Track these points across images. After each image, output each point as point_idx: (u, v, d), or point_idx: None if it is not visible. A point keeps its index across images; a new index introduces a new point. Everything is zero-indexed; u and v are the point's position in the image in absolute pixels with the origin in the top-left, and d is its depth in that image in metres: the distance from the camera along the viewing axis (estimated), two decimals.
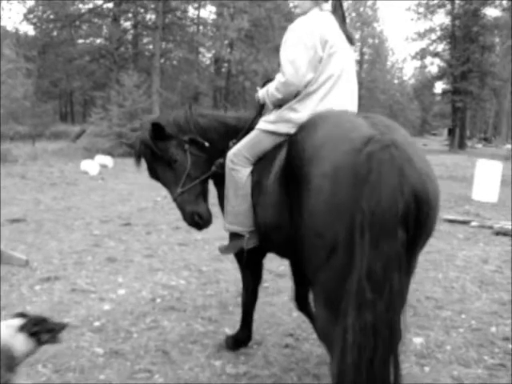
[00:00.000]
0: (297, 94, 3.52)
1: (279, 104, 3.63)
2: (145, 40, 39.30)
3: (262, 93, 3.87)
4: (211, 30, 37.79)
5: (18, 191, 12.70)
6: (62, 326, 3.35)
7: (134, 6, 33.57)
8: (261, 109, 3.97)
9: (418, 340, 4.72)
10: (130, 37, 37.77)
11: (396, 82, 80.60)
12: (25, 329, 3.13)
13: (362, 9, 67.85)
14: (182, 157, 4.08)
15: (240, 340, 4.46)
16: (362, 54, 69.57)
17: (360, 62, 69.54)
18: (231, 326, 4.79)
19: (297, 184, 2.87)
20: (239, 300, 5.43)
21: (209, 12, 39.61)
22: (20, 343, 3.10)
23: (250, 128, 3.92)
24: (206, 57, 43.97)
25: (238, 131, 4.04)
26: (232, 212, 3.84)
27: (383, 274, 2.41)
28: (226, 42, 34.53)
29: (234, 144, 3.92)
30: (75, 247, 7.47)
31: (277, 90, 3.56)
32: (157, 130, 4.02)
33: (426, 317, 5.29)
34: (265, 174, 3.55)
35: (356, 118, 2.93)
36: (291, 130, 3.46)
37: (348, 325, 2.46)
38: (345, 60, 3.58)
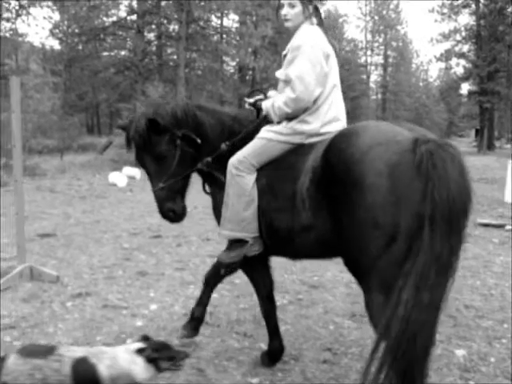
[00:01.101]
0: (306, 109, 3.73)
1: (283, 118, 3.80)
2: (169, 50, 39.38)
3: (265, 105, 3.92)
4: (235, 38, 37.78)
5: (48, 205, 12.75)
6: (184, 355, 3.22)
7: (157, 17, 33.65)
8: (264, 118, 3.97)
9: (460, 352, 4.55)
10: (154, 48, 37.90)
11: (421, 84, 79.92)
12: (144, 354, 3.00)
13: (384, 12, 67.40)
14: (171, 154, 4.00)
15: (273, 352, 4.36)
16: (386, 57, 69.16)
17: (384, 66, 69.22)
18: (266, 342, 4.66)
19: (343, 186, 3.07)
20: None
21: (232, 21, 39.35)
22: (139, 369, 2.97)
23: (249, 134, 3.96)
24: (230, 65, 43.92)
25: (233, 132, 4.06)
26: (235, 219, 3.81)
27: (448, 259, 2.80)
28: (250, 49, 34.45)
29: (227, 146, 3.97)
30: (105, 261, 7.42)
31: (286, 105, 3.72)
32: (153, 125, 3.93)
33: (467, 327, 5.12)
34: (281, 179, 3.69)
35: (392, 125, 3.22)
36: (304, 140, 3.75)
37: (402, 300, 2.77)
38: (337, 69, 3.93)
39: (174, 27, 36.16)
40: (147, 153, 4.04)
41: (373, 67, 70.58)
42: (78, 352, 2.91)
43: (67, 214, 11.61)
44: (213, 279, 4.42)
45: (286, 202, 3.61)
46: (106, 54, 40.05)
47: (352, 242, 3.11)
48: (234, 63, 42.74)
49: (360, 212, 2.98)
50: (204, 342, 4.70)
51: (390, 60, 70.11)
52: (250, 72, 39.96)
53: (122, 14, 35.30)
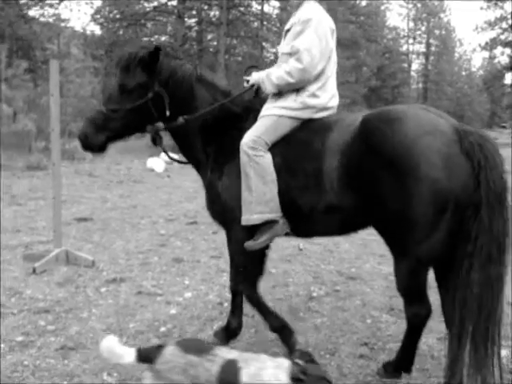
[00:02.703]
0: (313, 82, 3.83)
1: (284, 89, 3.86)
2: (209, 36, 39.31)
3: (258, 76, 3.97)
4: (275, 24, 37.49)
5: (86, 189, 12.82)
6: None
7: (198, 2, 33.59)
8: (256, 92, 4.04)
9: (502, 352, 4.36)
10: (194, 34, 37.88)
11: (464, 73, 78.38)
12: (292, 373, 2.68)
13: None
14: (136, 95, 3.95)
15: (277, 330, 4.26)
16: (428, 45, 67.90)
17: (426, 54, 68.01)
18: (302, 334, 4.55)
19: (394, 174, 3.23)
20: (311, 305, 5.27)
21: (272, 7, 39.10)
22: None
23: (246, 111, 4.11)
24: (270, 52, 43.70)
25: (222, 110, 4.07)
26: (262, 200, 3.75)
27: (504, 236, 3.18)
28: None
29: (184, 120, 3.99)
30: (141, 247, 7.40)
31: (289, 75, 3.76)
32: (151, 55, 3.91)
33: (510, 326, 4.92)
34: (297, 158, 3.75)
35: (425, 111, 3.45)
36: (313, 115, 3.86)
37: (473, 280, 3.17)
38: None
39: (214, 13, 36.10)
40: (122, 74, 3.98)
41: (414, 56, 69.37)
42: (231, 354, 2.82)
43: (105, 198, 11.65)
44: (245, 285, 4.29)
45: (306, 180, 3.68)
46: (146, 39, 40.13)
47: (400, 223, 3.31)
48: (274, 50, 42.48)
49: (414, 199, 3.18)
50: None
51: (433, 48, 68.80)
52: None
53: None
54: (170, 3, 34.87)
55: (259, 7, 38.41)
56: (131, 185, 14.11)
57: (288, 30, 3.98)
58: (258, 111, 4.03)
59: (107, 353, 2.83)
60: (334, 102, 4.00)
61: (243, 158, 3.78)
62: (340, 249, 7.55)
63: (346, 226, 3.82)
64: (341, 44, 37.76)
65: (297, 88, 3.84)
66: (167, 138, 4.33)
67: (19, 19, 27.52)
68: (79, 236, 7.92)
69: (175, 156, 4.48)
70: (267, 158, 3.75)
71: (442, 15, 68.16)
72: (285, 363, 2.72)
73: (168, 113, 3.99)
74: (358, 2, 45.33)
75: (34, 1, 31.45)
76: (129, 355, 2.80)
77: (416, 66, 71.12)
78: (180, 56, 4.25)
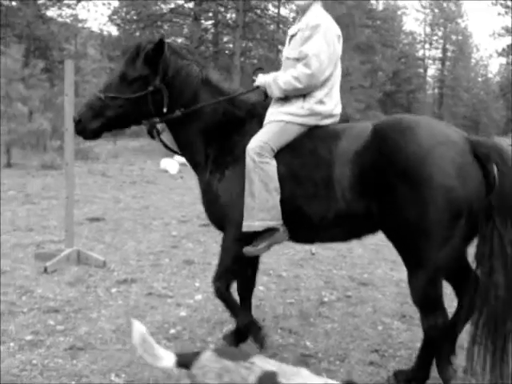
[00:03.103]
0: (319, 88, 3.81)
1: (291, 94, 3.82)
2: (225, 38, 39.37)
3: (264, 79, 3.94)
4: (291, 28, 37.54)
5: (99, 189, 12.86)
6: None
7: (214, 4, 33.66)
8: (266, 95, 4.02)
9: None
10: (210, 36, 37.94)
11: (480, 79, 77.84)
12: None
13: (445, 4, 65.73)
14: (135, 87, 3.95)
15: (246, 327, 4.26)
16: (444, 51, 67.44)
17: (442, 60, 67.58)
18: (312, 339, 4.52)
19: (409, 183, 3.28)
20: (321, 310, 5.24)
21: (289, 10, 39.05)
22: None
23: (249, 115, 4.07)
24: None
25: (226, 113, 4.07)
26: (264, 207, 3.72)
27: None
28: None
29: (181, 113, 3.99)
30: (153, 248, 7.39)
31: (297, 80, 3.73)
32: (156, 48, 3.91)
33: None
34: (304, 166, 3.73)
35: (436, 121, 3.63)
36: (319, 122, 3.84)
37: (497, 282, 3.25)
38: None
39: (231, 15, 36.16)
40: (125, 64, 3.99)
41: (430, 61, 69.02)
42: (271, 365, 2.77)
43: (117, 198, 11.67)
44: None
45: (315, 189, 3.66)
46: None
47: (416, 232, 3.33)
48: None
49: (430, 208, 3.23)
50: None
51: (449, 54, 68.35)
52: None
53: (180, 1, 35.42)
54: (186, 5, 34.97)
55: (276, 10, 38.39)
56: (144, 185, 14.13)
57: (293, 36, 3.96)
58: (261, 116, 4.01)
59: (143, 351, 2.75)
60: (338, 109, 4.00)
61: (249, 163, 3.74)
62: (353, 254, 7.50)
63: (352, 233, 3.87)
64: (356, 48, 37.71)
65: (303, 93, 3.82)
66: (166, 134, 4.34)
67: (37, 19, 27.69)
68: (91, 236, 7.93)
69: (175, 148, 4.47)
70: (272, 166, 3.73)
71: (459, 20, 67.78)
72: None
73: (165, 110, 3.98)
74: (374, 6, 45.17)
75: (52, 1, 31.69)
76: (168, 360, 2.75)
77: (432, 71, 70.76)
78: (188, 57, 4.20)
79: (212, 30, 37.63)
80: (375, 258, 7.29)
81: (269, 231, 3.79)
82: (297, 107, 3.82)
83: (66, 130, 6.45)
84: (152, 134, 4.19)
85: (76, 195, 11.01)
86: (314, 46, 3.72)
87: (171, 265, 6.62)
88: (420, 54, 67.62)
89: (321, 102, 3.82)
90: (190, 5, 34.23)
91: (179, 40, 38.70)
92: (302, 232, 3.90)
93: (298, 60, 3.81)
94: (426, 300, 3.49)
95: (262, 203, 3.71)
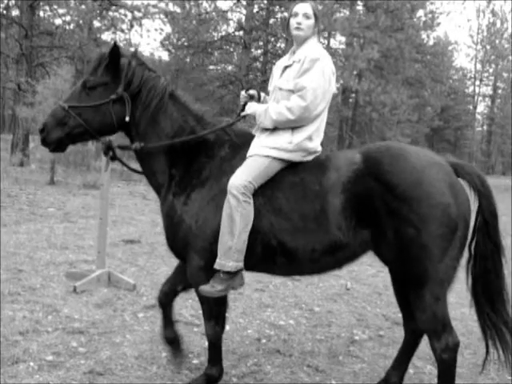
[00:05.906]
0: (308, 124, 3.75)
1: (281, 126, 3.73)
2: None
3: (256, 109, 3.87)
4: (340, 59, 37.52)
5: (138, 211, 12.85)
6: None
7: (264, 34, 33.93)
8: (237, 118, 4.07)
9: None
10: (259, 64, 38.22)
11: None
12: None
13: (497, 41, 65.06)
14: (96, 95, 3.86)
15: (170, 342, 4.39)
16: (495, 88, 66.55)
17: (492, 97, 66.71)
18: (339, 379, 4.33)
19: (409, 205, 3.43)
20: (351, 349, 5.04)
21: (338, 42, 39.15)
22: None
23: (220, 139, 3.98)
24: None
25: (192, 133, 3.96)
26: (241, 248, 3.61)
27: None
28: (355, 72, 34.03)
29: (140, 147, 3.89)
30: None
31: (290, 112, 3.66)
32: (112, 53, 3.84)
33: None
34: (289, 199, 3.64)
35: (416, 148, 3.80)
36: (303, 158, 3.77)
37: (503, 271, 3.73)
38: None
39: (280, 45, 36.35)
40: (88, 73, 3.94)
41: (480, 98, 68.26)
42: None
43: (155, 221, 11.63)
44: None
45: (303, 222, 3.60)
46: (212, 67, 40.73)
47: (417, 249, 3.46)
48: (337, 85, 42.51)
49: (430, 224, 3.42)
50: (272, 372, 4.42)
51: (500, 91, 67.51)
52: (353, 94, 39.49)
53: (231, 29, 35.84)
54: (237, 33, 35.34)
55: (325, 42, 38.54)
56: None
57: (287, 67, 3.88)
58: (232, 140, 3.96)
59: None
60: (320, 147, 3.93)
61: (232, 201, 3.57)
62: (389, 292, 7.23)
63: (345, 261, 3.84)
64: (405, 82, 37.45)
65: (292, 127, 3.73)
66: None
67: (90, 42, 28.27)
68: (124, 258, 7.87)
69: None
70: (252, 205, 3.61)
71: (511, 58, 66.94)
72: None
73: (127, 118, 3.86)
74: (425, 40, 44.87)
75: (106, 26, 32.40)
76: None
77: (481, 107, 69.93)
78: (156, 71, 4.10)
79: (261, 59, 37.87)
80: None
81: (231, 273, 3.66)
82: (284, 141, 3.72)
83: None
84: (107, 154, 4.06)
85: (114, 216, 11.08)
86: (312, 79, 3.68)
87: None
88: (470, 90, 66.88)
89: (310, 138, 3.76)
90: (241, 33, 34.59)
91: (229, 67, 39.13)
92: (281, 266, 3.82)
93: (292, 92, 3.74)
94: (435, 319, 3.50)
95: (239, 244, 3.58)
